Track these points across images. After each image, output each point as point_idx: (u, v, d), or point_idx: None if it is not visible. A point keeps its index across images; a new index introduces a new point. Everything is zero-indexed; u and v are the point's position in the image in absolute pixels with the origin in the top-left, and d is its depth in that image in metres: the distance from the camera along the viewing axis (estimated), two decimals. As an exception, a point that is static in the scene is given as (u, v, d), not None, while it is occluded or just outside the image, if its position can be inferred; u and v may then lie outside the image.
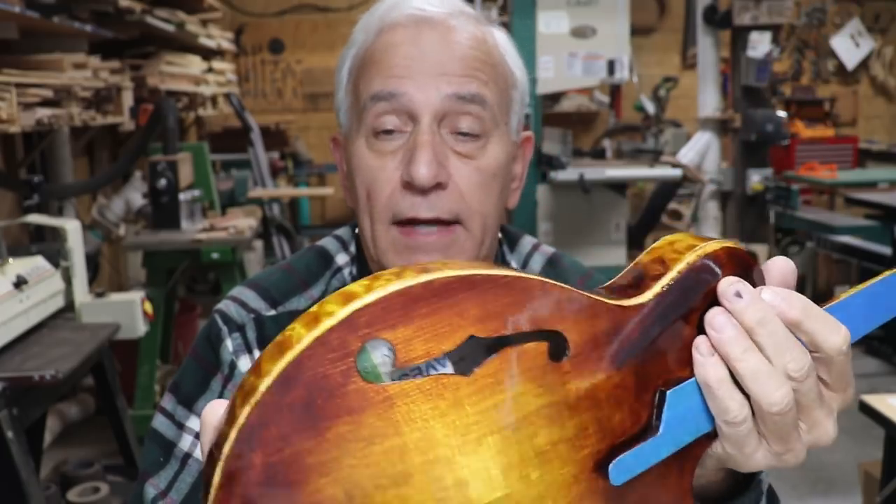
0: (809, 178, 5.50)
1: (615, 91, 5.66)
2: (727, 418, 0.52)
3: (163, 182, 3.65)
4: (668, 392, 0.53)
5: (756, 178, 4.52)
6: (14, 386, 2.05)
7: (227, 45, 6.04)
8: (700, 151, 4.66)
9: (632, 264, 0.57)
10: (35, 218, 2.88)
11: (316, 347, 0.41)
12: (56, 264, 2.60)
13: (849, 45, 7.91)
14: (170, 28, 4.20)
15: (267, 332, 0.90)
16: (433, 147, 0.81)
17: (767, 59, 4.44)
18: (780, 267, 0.57)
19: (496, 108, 0.85)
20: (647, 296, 0.53)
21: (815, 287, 5.30)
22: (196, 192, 3.92)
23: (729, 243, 0.56)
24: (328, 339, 0.41)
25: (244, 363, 0.90)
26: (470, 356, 0.46)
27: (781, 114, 4.65)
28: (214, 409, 0.46)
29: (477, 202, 0.84)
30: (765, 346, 0.52)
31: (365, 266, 0.93)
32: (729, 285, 0.53)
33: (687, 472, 0.55)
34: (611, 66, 4.33)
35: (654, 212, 5.44)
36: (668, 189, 5.24)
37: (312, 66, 7.76)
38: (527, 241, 1.02)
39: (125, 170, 4.05)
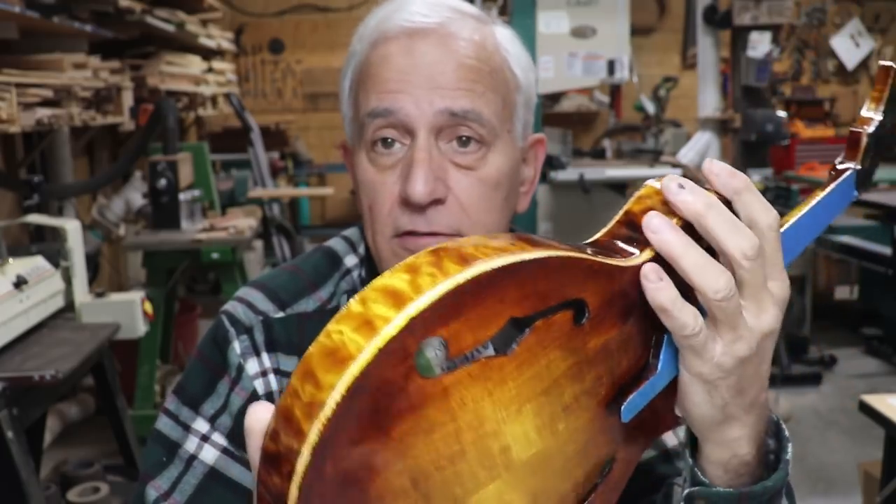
0: (809, 178, 5.49)
1: (615, 91, 5.65)
2: (686, 332, 0.55)
3: (163, 182, 3.65)
4: (666, 335, 0.58)
5: (756, 178, 4.52)
6: (14, 386, 2.05)
7: (227, 45, 6.04)
8: (700, 151, 4.65)
9: (622, 212, 0.60)
10: (35, 218, 2.88)
11: (379, 357, 0.42)
12: (56, 264, 2.60)
13: (849, 45, 7.91)
14: (170, 28, 4.20)
15: (275, 335, 0.90)
16: (429, 163, 0.80)
17: (767, 59, 4.44)
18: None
19: (495, 119, 0.83)
20: (648, 252, 0.56)
21: (815, 287, 5.30)
22: (196, 192, 3.91)
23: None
24: (389, 348, 0.42)
25: (252, 366, 0.89)
26: (509, 335, 0.49)
27: (781, 114, 4.65)
28: (259, 415, 0.46)
29: (478, 214, 0.83)
30: (716, 228, 0.55)
31: (374, 268, 0.93)
32: (670, 180, 0.56)
33: (671, 394, 0.61)
34: (611, 66, 4.33)
35: (654, 212, 5.43)
36: (668, 189, 5.23)
37: (312, 66, 7.76)
38: None
39: (125, 170, 4.05)
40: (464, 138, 0.82)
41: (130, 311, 2.70)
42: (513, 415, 0.49)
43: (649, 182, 0.60)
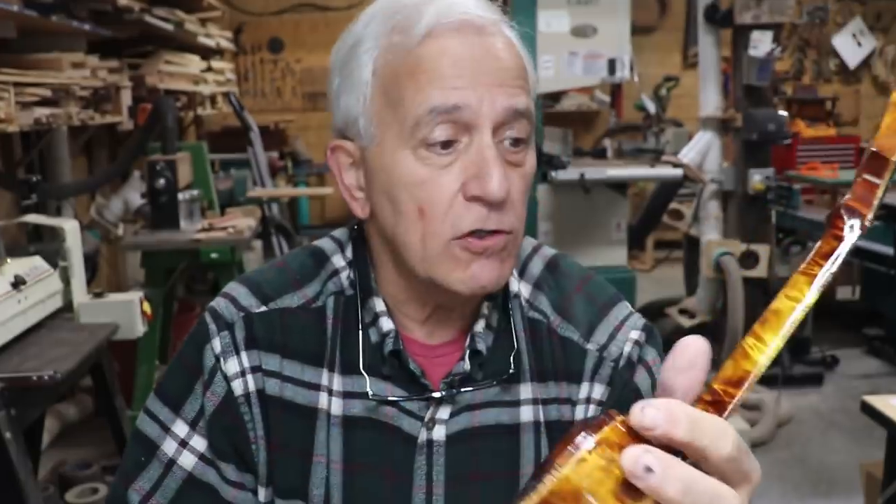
0: (811, 177, 5.48)
1: (616, 90, 5.64)
2: None
3: (161, 182, 3.64)
4: None
5: (757, 178, 4.50)
6: (12, 386, 2.04)
7: (226, 44, 6.04)
8: (701, 151, 4.64)
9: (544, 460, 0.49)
10: (33, 218, 2.87)
11: None
12: (54, 264, 2.58)
13: (851, 45, 7.90)
14: (168, 27, 4.19)
15: (255, 332, 0.89)
16: (500, 161, 0.79)
17: (769, 59, 4.42)
18: (688, 354, 0.50)
19: (534, 117, 0.84)
20: None
21: (816, 287, 5.30)
22: (195, 192, 3.90)
23: (610, 427, 0.47)
24: None
25: (232, 365, 0.88)
26: None
27: (783, 113, 4.63)
28: None
29: (523, 211, 0.83)
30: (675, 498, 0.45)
31: (362, 271, 0.91)
32: (634, 463, 0.45)
33: None
34: (611, 66, 4.31)
35: (655, 212, 5.43)
36: (669, 189, 5.23)
37: (312, 66, 7.75)
38: (527, 244, 0.98)
39: (124, 169, 4.05)
40: (514, 136, 0.81)
41: (129, 312, 2.68)
42: None
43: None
